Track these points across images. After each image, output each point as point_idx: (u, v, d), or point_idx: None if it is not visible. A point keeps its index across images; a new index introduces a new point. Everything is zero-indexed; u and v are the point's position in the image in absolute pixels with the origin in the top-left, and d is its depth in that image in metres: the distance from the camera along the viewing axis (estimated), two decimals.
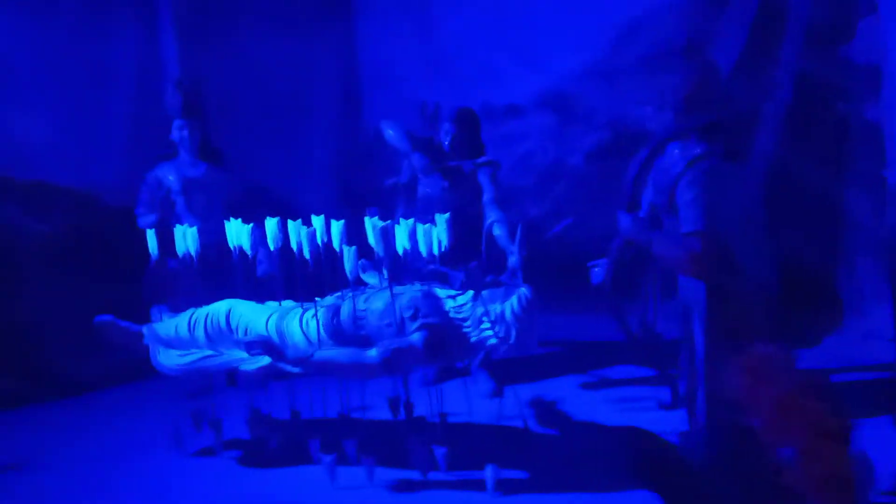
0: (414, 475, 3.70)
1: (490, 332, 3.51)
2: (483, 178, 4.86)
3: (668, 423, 4.00)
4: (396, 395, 4.14)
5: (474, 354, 3.82)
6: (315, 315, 3.73)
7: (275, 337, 3.79)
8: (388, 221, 3.83)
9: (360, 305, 3.74)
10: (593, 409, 4.47)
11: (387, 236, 3.65)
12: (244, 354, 3.88)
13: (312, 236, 3.84)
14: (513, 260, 4.55)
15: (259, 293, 4.29)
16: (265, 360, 3.82)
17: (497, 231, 4.62)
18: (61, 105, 5.56)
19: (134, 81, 5.85)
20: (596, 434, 4.13)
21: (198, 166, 5.22)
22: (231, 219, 4.17)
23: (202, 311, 4.01)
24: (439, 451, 3.66)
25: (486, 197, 4.83)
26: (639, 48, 6.01)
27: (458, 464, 3.69)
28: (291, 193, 6.51)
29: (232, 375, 5.05)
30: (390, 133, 4.98)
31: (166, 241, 4.98)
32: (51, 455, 4.42)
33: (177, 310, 4.38)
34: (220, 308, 3.97)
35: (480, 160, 4.88)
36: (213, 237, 4.81)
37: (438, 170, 4.83)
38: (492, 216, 4.67)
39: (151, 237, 4.09)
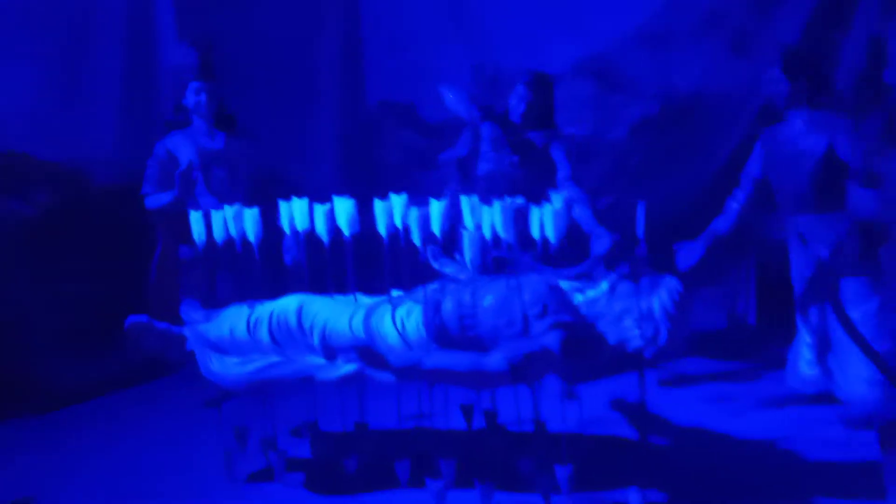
0: (533, 499, 3.20)
1: (635, 333, 3.04)
2: (557, 153, 4.36)
3: (793, 426, 3.69)
4: (470, 401, 3.67)
5: (614, 359, 3.33)
6: (412, 312, 3.19)
7: (362, 338, 3.22)
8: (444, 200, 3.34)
9: (466, 300, 3.21)
10: (694, 411, 4.04)
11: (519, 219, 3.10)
12: (320, 360, 3.30)
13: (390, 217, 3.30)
14: (602, 245, 4.11)
15: (295, 284, 3.73)
16: (348, 366, 3.26)
17: (578, 212, 4.15)
18: (38, 63, 4.73)
19: (123, 36, 5.05)
20: (724, 444, 3.69)
21: (216, 136, 4.50)
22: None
23: (264, 309, 3.38)
24: (562, 471, 3.18)
25: (562, 174, 4.34)
26: (693, 11, 5.61)
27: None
28: (290, 171, 5.88)
29: None
30: (451, 98, 4.43)
31: (175, 225, 4.37)
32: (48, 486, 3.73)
33: (213, 306, 3.77)
34: (288, 305, 3.35)
35: (555, 132, 4.40)
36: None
37: (509, 143, 4.33)
38: (570, 195, 4.18)
39: (197, 221, 3.40)
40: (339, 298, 3.45)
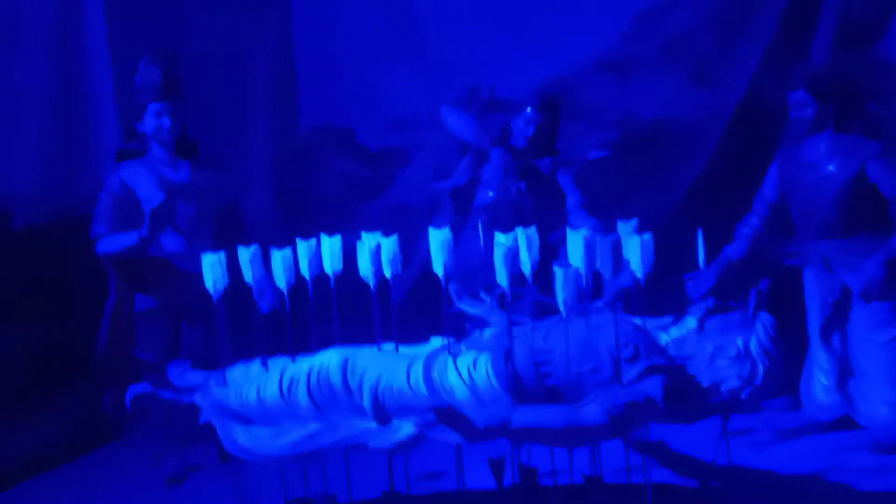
0: None
1: (730, 373, 2.85)
2: (565, 180, 4.14)
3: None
4: (501, 455, 3.35)
5: (712, 404, 3.10)
6: (478, 362, 2.84)
7: (424, 396, 2.83)
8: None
9: (539, 345, 2.90)
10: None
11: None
12: (370, 424, 2.86)
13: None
14: (625, 277, 3.91)
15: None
16: (406, 430, 2.85)
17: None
18: None
19: (48, 50, 4.31)
20: (762, 480, 3.55)
21: (180, 166, 3.92)
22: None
23: (300, 367, 2.92)
24: None
25: (572, 201, 4.12)
26: (653, 40, 5.62)
27: None
28: None
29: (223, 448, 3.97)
30: (456, 121, 4.11)
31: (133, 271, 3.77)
32: None
33: (206, 366, 3.24)
34: (329, 361, 2.91)
35: (562, 158, 4.17)
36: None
37: (516, 169, 4.05)
38: (583, 224, 3.97)
39: (216, 266, 2.86)
40: (386, 350, 3.07)
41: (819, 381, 4.05)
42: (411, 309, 3.94)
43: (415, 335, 3.41)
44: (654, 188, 5.57)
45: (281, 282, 2.93)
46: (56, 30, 4.43)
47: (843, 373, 3.94)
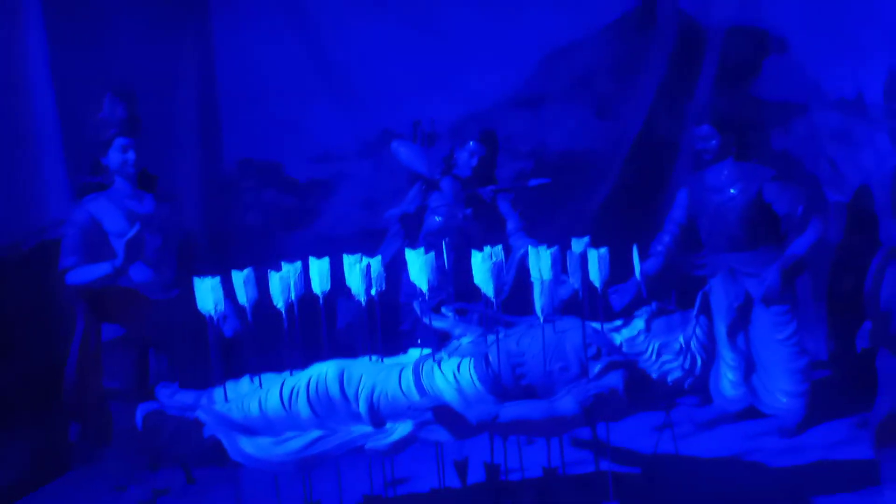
0: None
1: (674, 365, 3.32)
2: (504, 205, 4.57)
3: None
4: (464, 456, 3.69)
5: (661, 393, 3.53)
6: (461, 367, 3.17)
7: (415, 397, 3.12)
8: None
9: (513, 349, 3.26)
10: (646, 440, 4.30)
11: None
12: (367, 428, 3.14)
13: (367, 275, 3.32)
14: (565, 290, 4.32)
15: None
16: (400, 432, 3.13)
17: None
18: None
19: None
20: (696, 465, 4.06)
21: (144, 199, 4.07)
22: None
23: (299, 380, 3.19)
24: None
25: (512, 225, 4.56)
26: (561, 78, 6.16)
27: None
28: None
29: (189, 472, 4.09)
30: (406, 153, 4.43)
31: (100, 301, 3.87)
32: None
33: (193, 385, 3.41)
34: (326, 373, 3.19)
35: (500, 185, 4.57)
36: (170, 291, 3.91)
37: (463, 197, 4.42)
38: (523, 245, 4.38)
39: (215, 289, 3.05)
40: (376, 360, 3.35)
41: (727, 377, 4.66)
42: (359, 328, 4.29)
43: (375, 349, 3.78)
44: (566, 211, 6.12)
45: (279, 302, 3.17)
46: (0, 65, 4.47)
47: (748, 369, 4.58)
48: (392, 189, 6.19)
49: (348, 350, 3.84)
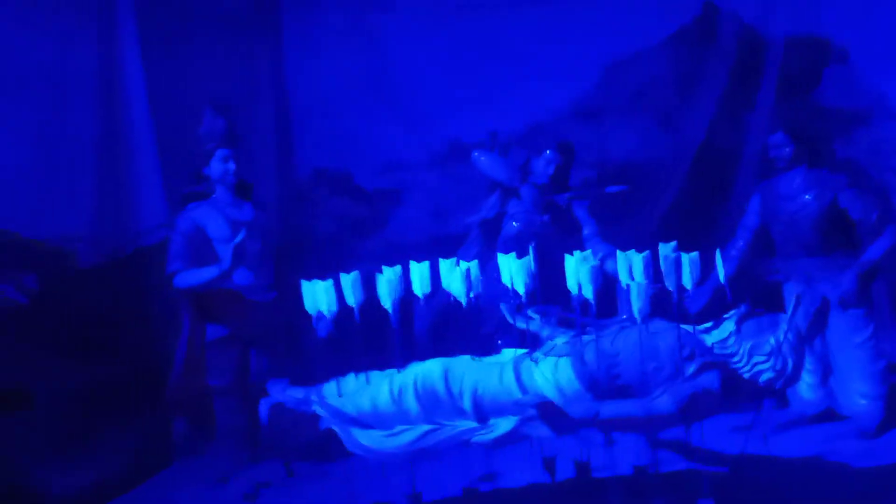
0: None
1: (765, 367, 3.38)
2: (580, 212, 4.68)
3: None
4: (553, 454, 3.78)
5: (752, 394, 3.60)
6: (558, 366, 3.27)
7: (516, 394, 3.22)
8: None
9: (607, 350, 3.35)
10: (726, 441, 4.35)
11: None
12: (471, 423, 3.25)
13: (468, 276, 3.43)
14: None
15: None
16: (504, 426, 3.24)
17: (611, 266, 4.43)
18: (15, 130, 4.09)
19: (94, 102, 4.52)
20: (780, 466, 4.07)
21: (243, 206, 4.26)
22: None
23: (406, 377, 3.30)
24: None
25: (589, 231, 4.67)
26: (623, 90, 6.26)
27: None
28: None
29: (289, 465, 4.22)
30: (487, 162, 4.55)
31: (205, 303, 4.02)
32: None
33: (307, 381, 3.54)
34: (431, 371, 3.30)
35: (577, 192, 4.68)
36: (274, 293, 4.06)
37: (541, 204, 4.53)
38: (600, 251, 4.47)
39: (327, 290, 3.19)
40: (475, 360, 3.45)
41: (804, 381, 4.65)
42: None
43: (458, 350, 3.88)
44: (630, 220, 6.19)
45: (387, 302, 3.28)
46: (100, 83, 4.66)
47: (825, 372, 4.62)
48: (458, 198, 6.34)
49: (428, 351, 3.97)
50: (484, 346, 4.04)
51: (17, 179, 4.20)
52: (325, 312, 3.30)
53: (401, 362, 3.55)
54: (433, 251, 5.35)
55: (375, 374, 3.41)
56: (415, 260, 3.95)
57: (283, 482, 4.13)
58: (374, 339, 3.76)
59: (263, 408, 3.28)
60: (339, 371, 3.78)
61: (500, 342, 4.03)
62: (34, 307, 4.11)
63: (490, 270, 4.63)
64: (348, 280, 3.40)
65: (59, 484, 3.90)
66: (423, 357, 3.70)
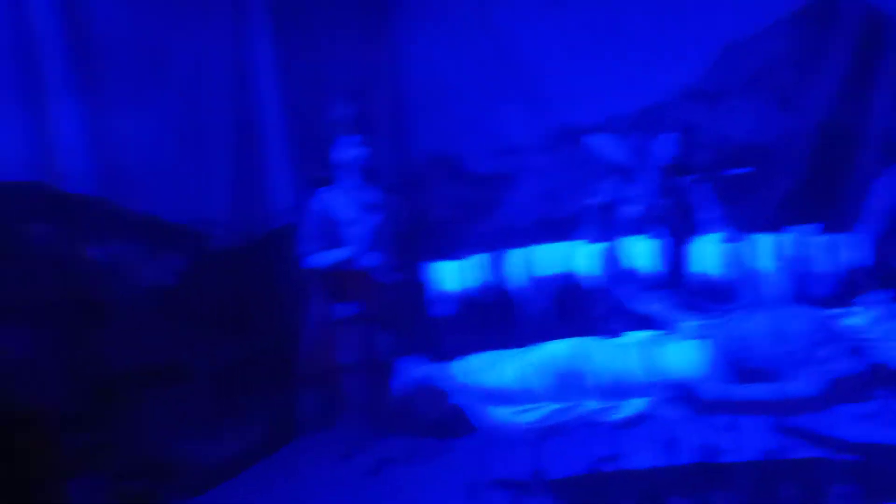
0: None
1: None
2: (702, 194, 4.60)
3: None
4: (677, 437, 3.76)
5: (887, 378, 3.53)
6: (689, 348, 3.27)
7: (645, 376, 3.24)
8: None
9: (737, 332, 3.32)
10: (864, 429, 4.21)
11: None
12: (599, 404, 3.28)
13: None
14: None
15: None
16: (634, 407, 3.26)
17: (737, 249, 4.35)
18: (157, 116, 4.33)
19: (230, 88, 4.73)
20: None
21: (371, 190, 4.41)
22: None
23: (533, 357, 3.34)
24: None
25: (712, 213, 4.56)
26: (742, 70, 6.12)
27: None
28: None
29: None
30: (605, 145, 4.56)
31: (333, 283, 4.18)
32: None
33: (434, 359, 3.64)
34: (559, 351, 3.33)
35: (699, 174, 4.63)
36: (399, 275, 4.18)
37: (661, 186, 4.51)
38: (724, 233, 4.41)
39: (454, 270, 3.30)
40: (603, 340, 3.49)
41: None
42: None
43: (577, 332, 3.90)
44: (749, 202, 6.04)
45: (518, 282, 3.35)
46: (235, 73, 4.86)
47: None
48: (570, 182, 6.33)
49: (549, 332, 4.01)
50: (600, 329, 4.09)
51: (162, 167, 4.40)
52: (452, 292, 3.40)
53: (525, 342, 3.61)
54: (545, 235, 5.40)
55: (502, 353, 3.49)
56: (527, 244, 4.00)
57: (407, 458, 4.28)
58: (497, 319, 3.84)
59: (396, 384, 3.39)
60: (464, 349, 3.88)
61: (616, 325, 4.04)
62: (179, 288, 4.38)
63: (607, 254, 4.65)
64: (475, 261, 3.48)
65: (202, 455, 4.15)
66: (544, 337, 3.76)
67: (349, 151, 4.37)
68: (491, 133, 6.86)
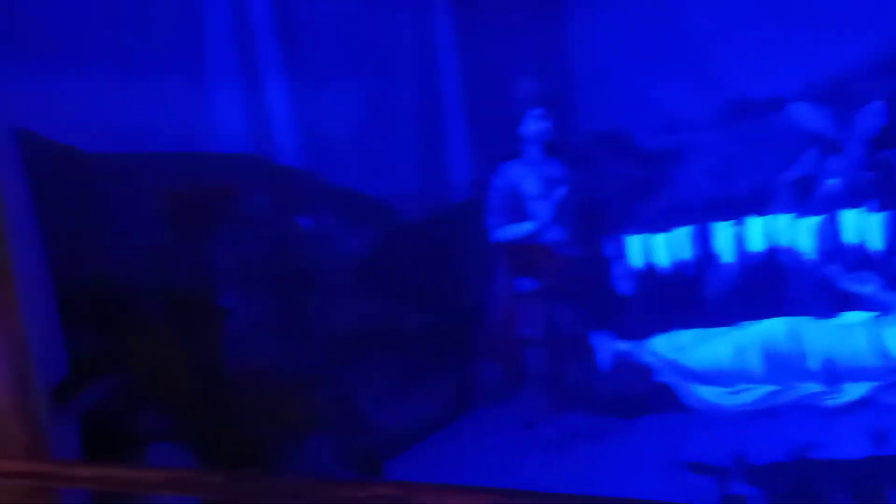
0: None
1: None
2: None
3: None
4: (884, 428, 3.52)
5: None
6: None
7: (871, 359, 3.07)
8: None
9: None
10: None
11: None
12: (819, 387, 3.14)
13: None
14: None
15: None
16: (856, 392, 3.10)
17: None
18: (354, 94, 4.45)
19: (416, 68, 4.80)
20: None
21: (553, 164, 4.37)
22: None
23: (747, 335, 3.25)
24: None
25: None
26: None
27: None
28: None
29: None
30: (809, 116, 4.35)
31: (517, 257, 4.16)
32: None
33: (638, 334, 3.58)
34: (775, 331, 3.22)
35: None
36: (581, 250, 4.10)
37: (866, 160, 4.26)
38: None
39: (645, 245, 3.24)
40: (821, 321, 3.33)
41: None
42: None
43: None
44: None
45: (729, 257, 3.23)
46: (421, 53, 4.94)
47: None
48: (742, 158, 6.05)
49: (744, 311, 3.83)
50: (808, 309, 3.88)
51: (358, 142, 4.50)
52: (644, 267, 3.30)
53: (724, 320, 3.48)
54: (715, 213, 5.17)
55: (710, 331, 3.37)
56: (697, 222, 3.83)
57: (592, 434, 4.23)
58: (689, 295, 3.70)
59: (601, 358, 3.34)
60: (659, 327, 3.78)
61: (824, 305, 3.82)
62: (371, 259, 4.49)
63: (812, 230, 4.40)
64: (665, 237, 3.37)
65: (395, 419, 4.24)
66: (747, 316, 3.60)
67: (533, 125, 4.31)
68: (660, 108, 6.67)
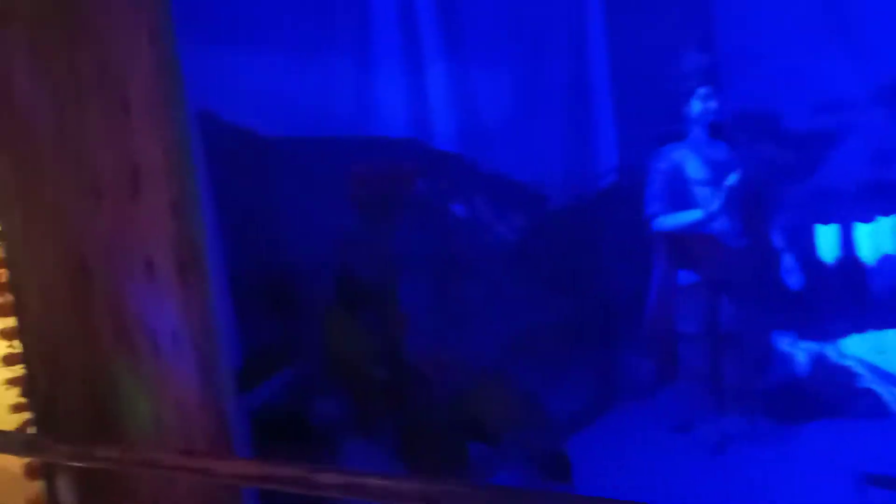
0: None
1: None
2: None
3: None
4: None
5: None
6: None
7: None
8: None
9: None
10: None
11: None
12: None
13: None
14: None
15: None
16: None
17: None
18: (508, 79, 4.33)
19: (565, 51, 4.59)
20: None
21: (718, 147, 4.08)
22: None
23: None
24: None
25: None
26: None
27: None
28: None
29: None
30: None
31: (680, 247, 3.92)
32: None
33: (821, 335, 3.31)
34: None
35: None
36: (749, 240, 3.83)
37: None
38: None
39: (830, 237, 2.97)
40: None
41: None
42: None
43: None
44: None
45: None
46: (569, 37, 4.72)
47: None
48: None
49: None
50: None
51: (510, 127, 4.33)
52: (833, 261, 3.01)
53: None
54: (873, 200, 4.75)
55: None
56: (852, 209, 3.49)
57: (758, 438, 3.94)
58: (862, 291, 3.39)
59: (799, 360, 3.08)
60: (846, 327, 3.47)
61: None
62: (519, 244, 4.32)
63: None
64: (840, 230, 3.05)
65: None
66: None
67: (699, 104, 4.02)
68: (811, 88, 6.24)
